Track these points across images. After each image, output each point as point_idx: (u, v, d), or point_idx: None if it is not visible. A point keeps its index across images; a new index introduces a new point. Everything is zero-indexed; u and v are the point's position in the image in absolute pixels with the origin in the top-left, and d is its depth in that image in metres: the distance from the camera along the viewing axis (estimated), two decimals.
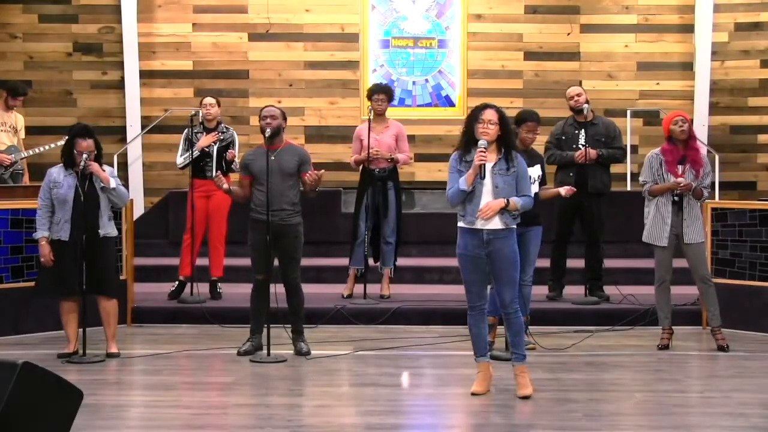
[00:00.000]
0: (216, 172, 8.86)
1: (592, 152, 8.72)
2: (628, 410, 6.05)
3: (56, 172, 7.30)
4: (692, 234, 7.50)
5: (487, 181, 6.07)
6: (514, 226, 6.15)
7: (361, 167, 9.06)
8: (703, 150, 7.75)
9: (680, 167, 7.48)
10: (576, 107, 8.86)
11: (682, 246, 7.53)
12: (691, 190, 7.43)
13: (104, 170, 7.29)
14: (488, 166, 6.06)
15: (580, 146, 8.78)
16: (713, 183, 11.14)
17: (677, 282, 8.14)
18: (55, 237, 7.25)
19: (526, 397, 6.13)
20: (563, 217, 8.96)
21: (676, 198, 7.50)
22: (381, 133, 8.98)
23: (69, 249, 7.19)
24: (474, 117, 6.14)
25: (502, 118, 6.13)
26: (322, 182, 7.35)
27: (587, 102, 8.86)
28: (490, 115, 6.08)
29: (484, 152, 6.00)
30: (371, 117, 8.93)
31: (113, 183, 7.26)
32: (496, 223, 6.08)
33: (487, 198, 6.07)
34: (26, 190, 8.94)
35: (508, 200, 6.05)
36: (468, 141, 6.16)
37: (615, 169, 9.46)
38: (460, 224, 6.17)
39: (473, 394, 6.21)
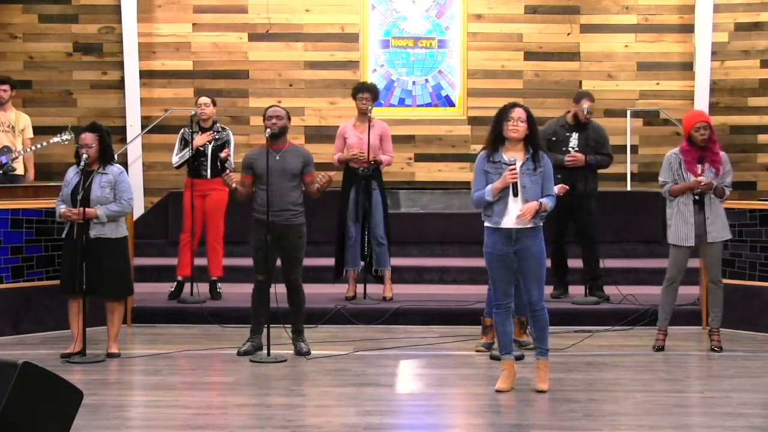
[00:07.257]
0: (209, 171, 8.92)
1: (582, 157, 8.70)
2: (628, 410, 6.04)
3: (70, 172, 7.41)
4: (716, 232, 7.45)
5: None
6: (541, 224, 6.22)
7: (344, 166, 9.04)
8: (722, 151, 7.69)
9: (699, 166, 7.44)
10: (578, 116, 8.79)
11: (703, 245, 7.52)
12: (713, 188, 7.40)
13: (107, 173, 7.28)
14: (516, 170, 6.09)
15: (570, 149, 8.75)
16: None
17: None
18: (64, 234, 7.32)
19: (541, 392, 6.21)
20: (560, 216, 8.93)
21: (696, 197, 7.46)
22: (365, 132, 8.96)
23: (74, 248, 7.19)
24: (503, 116, 6.17)
25: (530, 118, 6.18)
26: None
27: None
28: (519, 113, 6.14)
29: (515, 170, 6.06)
30: (356, 116, 8.95)
31: (101, 212, 7.21)
32: (526, 222, 6.12)
33: (513, 198, 6.11)
34: (26, 190, 8.90)
35: (540, 202, 6.11)
36: (496, 139, 6.20)
37: (616, 169, 9.44)
38: (487, 224, 6.22)
39: (498, 391, 6.25)
